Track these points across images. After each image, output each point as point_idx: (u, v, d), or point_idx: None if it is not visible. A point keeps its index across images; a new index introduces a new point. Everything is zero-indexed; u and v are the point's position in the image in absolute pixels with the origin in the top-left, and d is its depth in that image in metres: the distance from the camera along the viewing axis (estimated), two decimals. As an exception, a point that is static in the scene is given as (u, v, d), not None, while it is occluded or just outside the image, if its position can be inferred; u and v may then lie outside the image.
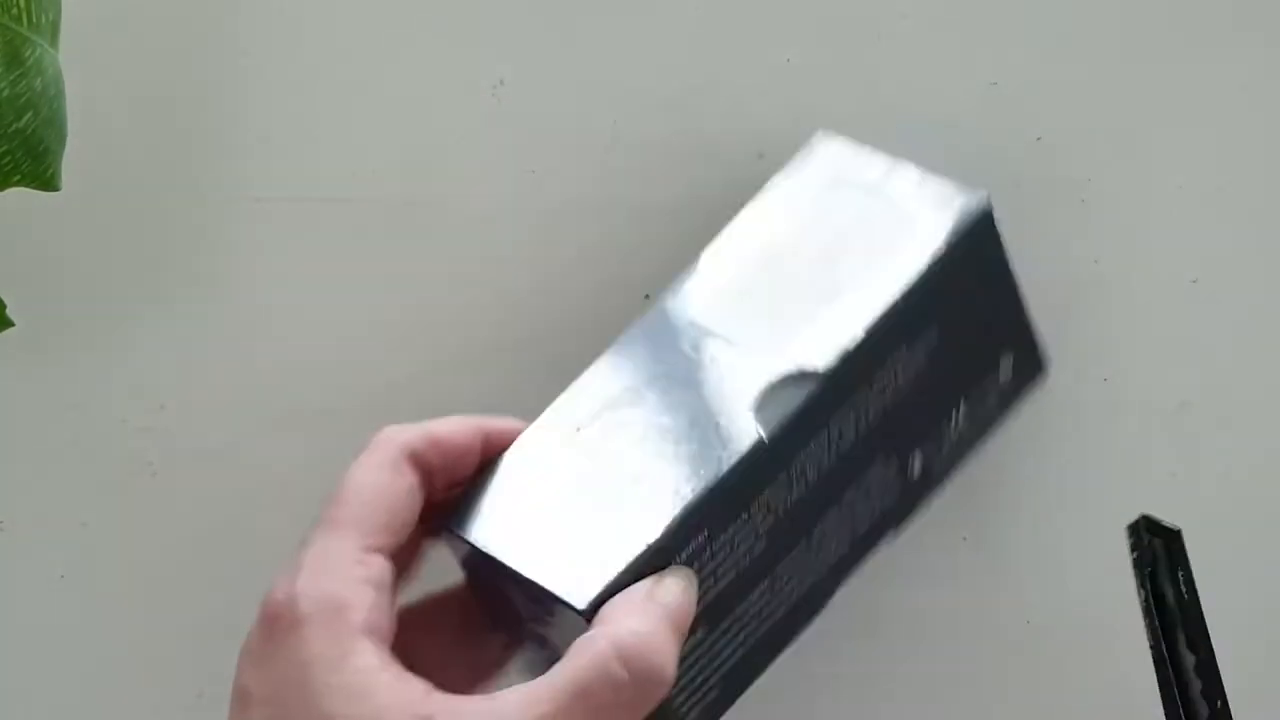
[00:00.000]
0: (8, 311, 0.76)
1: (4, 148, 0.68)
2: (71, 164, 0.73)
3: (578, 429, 0.63)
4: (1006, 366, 0.69)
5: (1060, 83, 0.83)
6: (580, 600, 0.55)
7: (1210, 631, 0.62)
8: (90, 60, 0.77)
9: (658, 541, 0.56)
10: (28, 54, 0.68)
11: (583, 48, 0.83)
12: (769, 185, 0.73)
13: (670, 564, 0.55)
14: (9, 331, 0.76)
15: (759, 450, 0.58)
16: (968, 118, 0.83)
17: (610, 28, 0.83)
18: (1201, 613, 0.61)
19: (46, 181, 0.72)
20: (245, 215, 0.82)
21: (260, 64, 0.82)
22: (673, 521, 0.56)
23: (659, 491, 0.57)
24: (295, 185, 0.83)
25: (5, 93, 0.67)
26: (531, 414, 0.69)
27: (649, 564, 0.55)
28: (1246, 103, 0.84)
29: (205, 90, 0.82)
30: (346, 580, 0.56)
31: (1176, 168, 0.84)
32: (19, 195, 0.71)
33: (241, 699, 0.59)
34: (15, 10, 0.66)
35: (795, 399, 0.59)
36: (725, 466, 0.57)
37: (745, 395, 0.60)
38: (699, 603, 0.57)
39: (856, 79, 0.82)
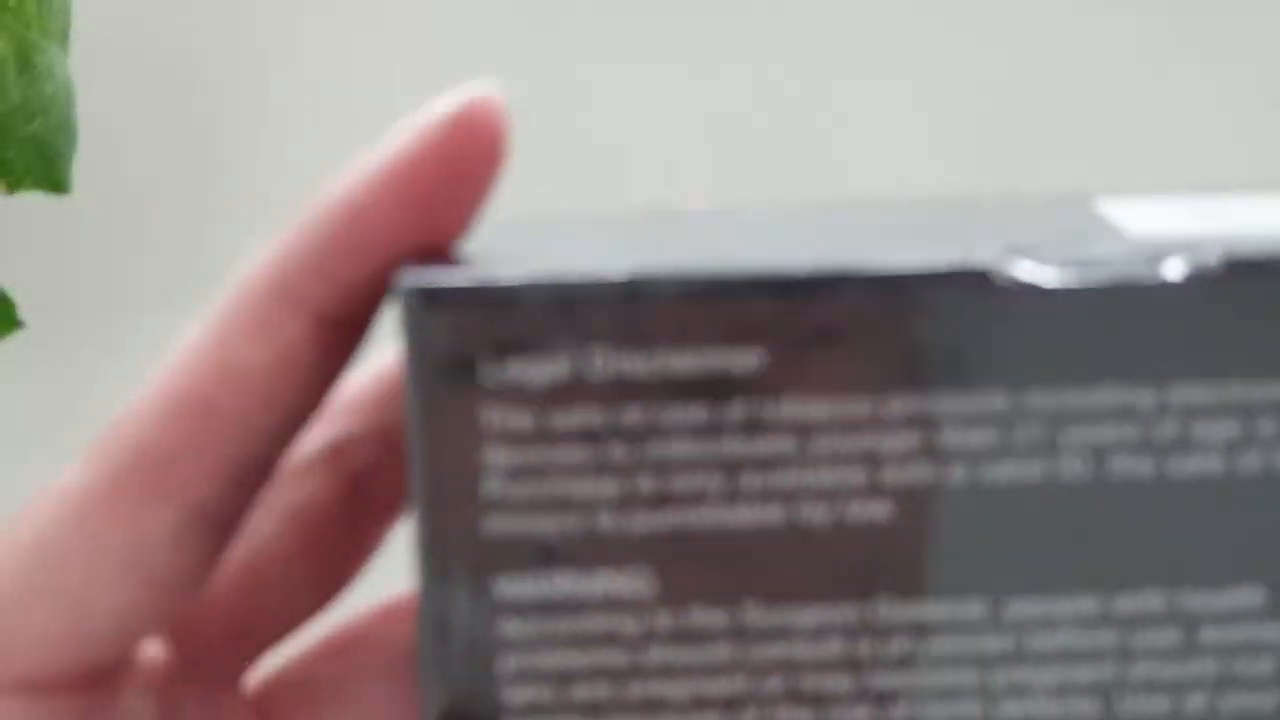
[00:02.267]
0: (17, 313, 0.76)
1: (16, 152, 0.68)
2: (80, 168, 0.74)
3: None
4: None
5: (1060, 83, 0.83)
6: (410, 280, 0.23)
7: None
8: (98, 65, 0.77)
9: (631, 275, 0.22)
10: (39, 59, 0.69)
11: (583, 53, 0.83)
12: None
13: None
14: (18, 332, 0.76)
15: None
16: (968, 118, 0.83)
17: (610, 33, 0.83)
18: None
19: (57, 185, 0.72)
20: (251, 217, 0.83)
21: (265, 70, 0.82)
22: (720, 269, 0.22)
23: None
24: (300, 188, 0.83)
25: (17, 98, 0.68)
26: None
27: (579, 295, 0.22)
28: (1245, 104, 0.84)
29: (211, 95, 0.82)
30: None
31: (1176, 168, 0.84)
32: (28, 198, 0.71)
33: None
34: (26, 16, 0.67)
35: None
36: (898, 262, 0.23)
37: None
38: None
39: (854, 78, 0.83)
